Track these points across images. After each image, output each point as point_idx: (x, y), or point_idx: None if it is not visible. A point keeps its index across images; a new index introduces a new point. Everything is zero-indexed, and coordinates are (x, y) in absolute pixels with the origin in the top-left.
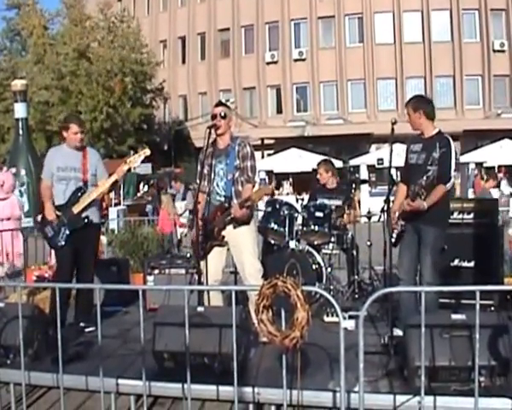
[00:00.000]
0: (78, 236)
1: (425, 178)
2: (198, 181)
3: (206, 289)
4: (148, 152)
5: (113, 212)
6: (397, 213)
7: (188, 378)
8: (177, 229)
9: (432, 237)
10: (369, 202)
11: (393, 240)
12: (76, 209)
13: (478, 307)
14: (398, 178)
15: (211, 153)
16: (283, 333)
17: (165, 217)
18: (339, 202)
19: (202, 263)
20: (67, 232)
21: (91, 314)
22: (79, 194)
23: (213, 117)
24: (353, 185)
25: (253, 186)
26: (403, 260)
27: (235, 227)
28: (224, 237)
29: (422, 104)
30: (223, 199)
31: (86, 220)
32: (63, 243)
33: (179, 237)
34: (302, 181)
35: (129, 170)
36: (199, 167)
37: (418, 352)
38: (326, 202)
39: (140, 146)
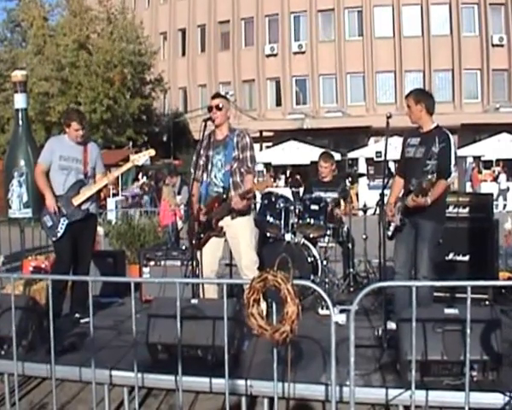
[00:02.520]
0: (77, 227)
1: (429, 174)
2: (192, 171)
3: (199, 282)
4: (152, 153)
5: (111, 202)
6: (396, 207)
7: (179, 370)
8: (177, 220)
9: (430, 232)
10: (368, 194)
11: (390, 233)
12: (76, 201)
13: (469, 301)
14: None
15: (208, 144)
16: (273, 327)
17: (166, 208)
18: (334, 195)
19: (198, 254)
20: (66, 224)
21: (87, 305)
22: (79, 186)
23: (209, 109)
24: (349, 178)
25: (254, 177)
26: (399, 253)
27: (233, 218)
28: (222, 228)
29: (424, 97)
30: (220, 190)
31: (86, 213)
32: (61, 233)
33: (179, 228)
34: (300, 174)
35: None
36: (194, 158)
37: (411, 346)
38: (322, 194)
39: (139, 137)
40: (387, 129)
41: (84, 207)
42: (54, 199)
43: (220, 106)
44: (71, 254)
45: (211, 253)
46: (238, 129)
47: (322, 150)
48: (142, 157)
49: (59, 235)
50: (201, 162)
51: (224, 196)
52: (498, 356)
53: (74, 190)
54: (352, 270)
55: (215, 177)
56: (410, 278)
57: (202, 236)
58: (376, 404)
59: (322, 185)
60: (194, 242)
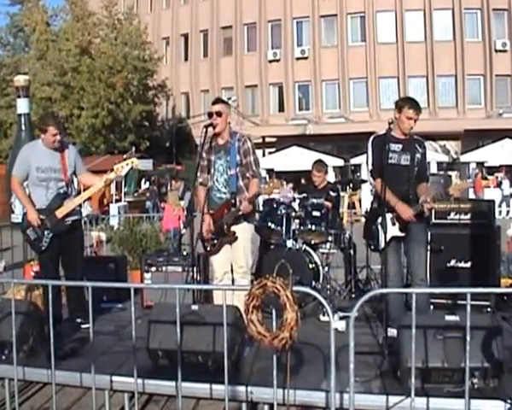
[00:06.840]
0: (63, 238)
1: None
2: (198, 173)
3: (198, 288)
4: (136, 162)
5: (114, 208)
6: (389, 217)
7: (179, 376)
8: (180, 225)
9: (423, 232)
10: (371, 200)
11: (382, 244)
12: (60, 214)
13: (469, 308)
14: None
15: (210, 148)
16: (272, 334)
17: (170, 212)
18: (321, 200)
19: (202, 260)
20: (51, 236)
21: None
22: (62, 198)
23: (210, 115)
24: (350, 185)
25: (260, 180)
26: (391, 263)
27: (235, 223)
28: (234, 232)
29: None
30: (223, 195)
31: (70, 224)
32: (46, 246)
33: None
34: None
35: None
36: (198, 161)
37: (411, 353)
38: (314, 201)
39: (142, 142)
40: (389, 135)
41: (67, 218)
42: (35, 212)
43: (220, 112)
44: (56, 266)
45: (223, 254)
46: (239, 133)
47: (315, 159)
48: (126, 167)
49: (43, 248)
50: (205, 165)
51: (233, 200)
52: (499, 363)
53: (57, 203)
54: (353, 276)
55: (217, 181)
56: (404, 285)
57: (215, 242)
58: None
59: (316, 192)
60: (208, 248)
